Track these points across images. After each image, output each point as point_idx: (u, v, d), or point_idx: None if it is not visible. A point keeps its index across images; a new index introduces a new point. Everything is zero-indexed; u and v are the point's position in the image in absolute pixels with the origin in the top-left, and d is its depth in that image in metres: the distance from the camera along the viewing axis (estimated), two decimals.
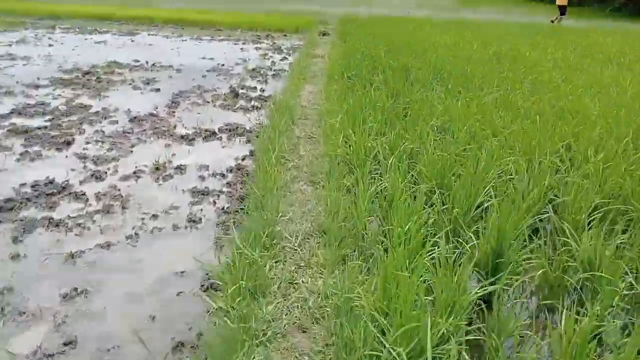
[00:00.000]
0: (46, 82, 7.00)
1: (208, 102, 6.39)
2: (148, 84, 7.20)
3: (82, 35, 11.99)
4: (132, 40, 11.54)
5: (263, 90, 7.14)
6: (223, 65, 8.94)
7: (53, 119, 5.35)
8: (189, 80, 7.54)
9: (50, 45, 10.28)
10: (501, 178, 3.40)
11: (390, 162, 3.60)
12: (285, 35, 13.63)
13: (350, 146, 4.03)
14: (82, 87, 6.79)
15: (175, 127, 5.31)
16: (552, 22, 15.80)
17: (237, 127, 5.33)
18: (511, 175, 3.49)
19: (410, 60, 7.55)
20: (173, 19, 15.17)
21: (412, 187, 3.29)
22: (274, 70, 8.66)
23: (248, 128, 5.33)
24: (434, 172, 3.36)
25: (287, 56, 10.20)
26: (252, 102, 6.45)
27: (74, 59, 8.82)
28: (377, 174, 3.64)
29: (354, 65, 7.22)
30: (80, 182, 3.84)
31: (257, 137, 4.97)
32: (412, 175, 3.50)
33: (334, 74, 7.00)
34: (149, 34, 12.78)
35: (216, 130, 5.21)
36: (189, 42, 11.76)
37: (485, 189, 3.10)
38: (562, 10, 15.95)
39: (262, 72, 8.44)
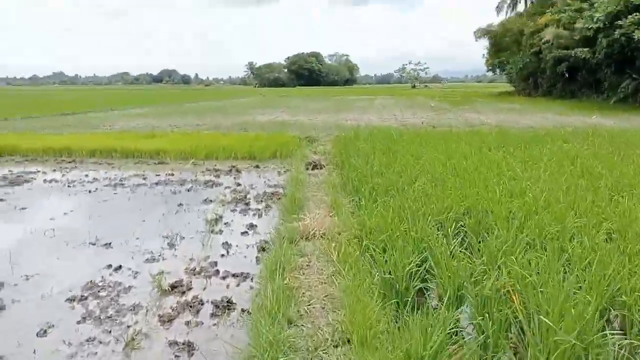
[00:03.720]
0: None
1: None
2: None
3: None
4: (2, 200, 6.92)
5: None
6: (128, 268, 4.27)
7: None
8: None
9: None
10: None
11: None
12: (257, 167, 9.29)
13: None
14: None
15: None
16: None
17: None
18: None
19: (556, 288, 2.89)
20: (102, 149, 10.85)
21: None
22: (222, 278, 4.07)
23: None
24: None
25: (254, 222, 5.66)
26: None
27: None
28: None
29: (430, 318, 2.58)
30: None
31: None
32: None
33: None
34: (45, 180, 8.24)
35: None
36: (101, 194, 7.21)
37: None
38: None
39: (192, 299, 3.76)
